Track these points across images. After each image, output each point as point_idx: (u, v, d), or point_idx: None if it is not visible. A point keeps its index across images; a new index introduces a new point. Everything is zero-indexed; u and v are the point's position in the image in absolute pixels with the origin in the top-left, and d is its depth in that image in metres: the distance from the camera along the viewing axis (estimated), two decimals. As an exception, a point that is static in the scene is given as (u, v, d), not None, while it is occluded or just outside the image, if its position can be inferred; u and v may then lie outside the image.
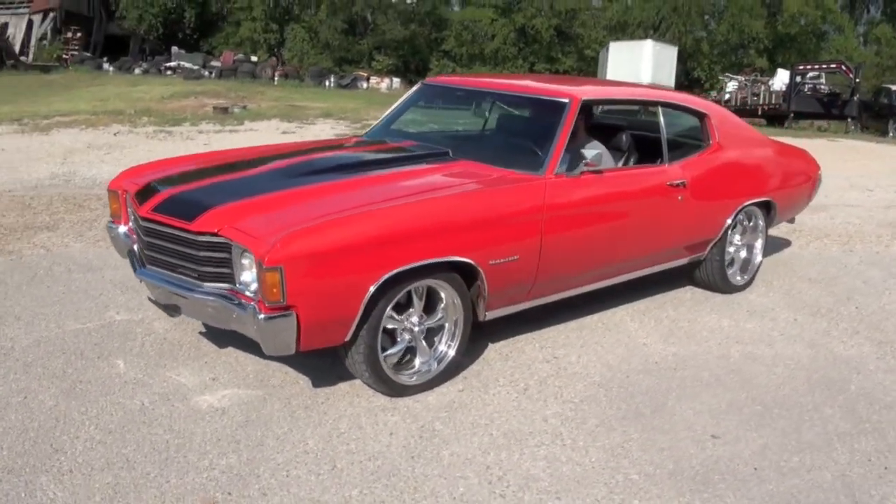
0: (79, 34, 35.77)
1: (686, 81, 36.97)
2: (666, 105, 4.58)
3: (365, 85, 36.50)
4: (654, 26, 35.83)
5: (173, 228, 3.22)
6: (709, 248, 4.84)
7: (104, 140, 11.31)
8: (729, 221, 4.78)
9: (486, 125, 4.65)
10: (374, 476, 2.80)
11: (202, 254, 3.14)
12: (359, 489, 2.72)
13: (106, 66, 30.48)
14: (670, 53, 22.60)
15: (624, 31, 35.66)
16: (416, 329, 3.41)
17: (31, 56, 32.82)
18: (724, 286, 5.02)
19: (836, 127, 22.39)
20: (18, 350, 3.68)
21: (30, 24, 33.44)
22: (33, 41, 33.29)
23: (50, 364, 3.56)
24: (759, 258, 5.25)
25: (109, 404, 3.23)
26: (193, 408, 3.23)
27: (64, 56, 32.82)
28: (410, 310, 3.38)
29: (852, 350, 4.24)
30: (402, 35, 42.32)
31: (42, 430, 3.01)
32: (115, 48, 37.62)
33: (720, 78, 28.39)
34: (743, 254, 5.20)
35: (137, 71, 30.01)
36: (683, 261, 4.78)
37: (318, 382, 3.50)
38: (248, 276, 3.04)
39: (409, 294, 3.33)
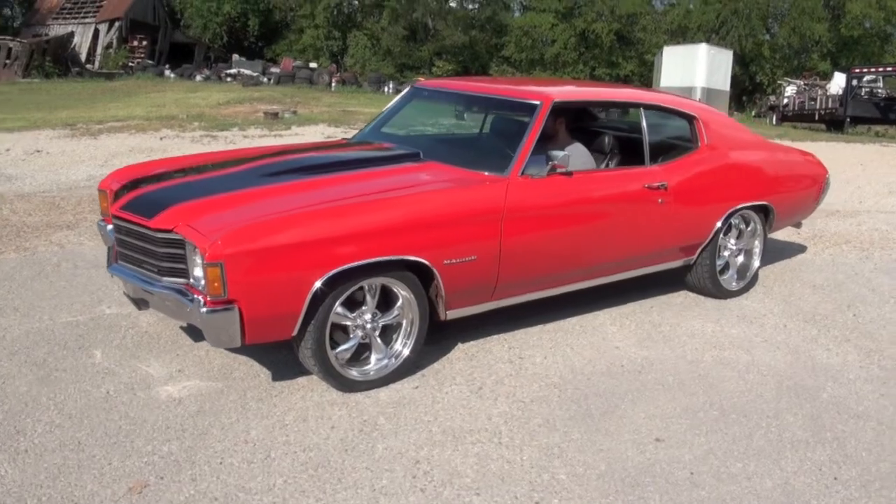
0: (144, 42, 37.26)
1: (749, 86, 36.13)
2: (649, 107, 4.53)
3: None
4: (714, 30, 35.11)
5: (136, 225, 3.37)
6: (698, 252, 4.76)
7: (149, 144, 11.76)
8: (719, 224, 4.70)
9: (464, 127, 4.69)
10: (304, 467, 2.87)
11: (160, 250, 3.29)
12: (284, 478, 2.80)
13: (168, 73, 31.57)
14: (725, 57, 22.06)
15: (685, 35, 35.08)
16: (369, 326, 3.47)
17: (96, 64, 34.29)
18: (715, 291, 4.93)
19: (893, 132, 21.49)
20: (8, 339, 3.91)
21: (96, 33, 34.96)
22: (99, 49, 34.78)
23: (33, 353, 3.76)
24: (756, 263, 5.13)
25: (77, 391, 3.40)
26: (153, 397, 3.38)
27: (130, 64, 34.24)
28: (363, 307, 3.45)
29: (836, 358, 4.11)
30: (461, 41, 42.63)
31: (10, 413, 3.20)
32: (180, 56, 39.00)
33: (779, 82, 27.58)
34: (740, 259, 5.10)
35: (199, 78, 30.99)
36: (671, 264, 4.71)
37: (277, 376, 3.60)
38: (198, 271, 3.17)
39: (363, 291, 3.40)
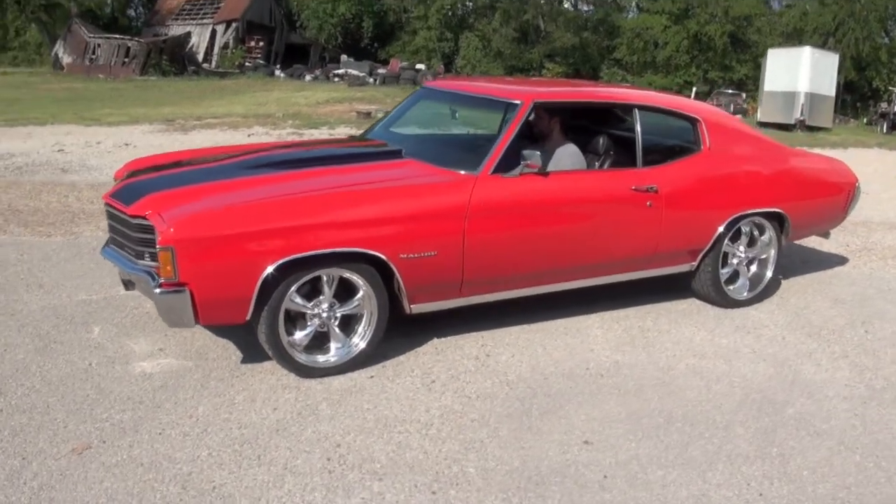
0: (261, 43, 39.04)
1: (868, 91, 33.90)
2: (645, 108, 4.45)
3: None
4: (830, 32, 33.16)
5: (118, 211, 3.67)
6: (700, 258, 4.63)
7: (236, 140, 12.40)
8: (721, 230, 4.55)
9: (459, 126, 4.75)
10: (232, 442, 3.05)
11: (135, 234, 3.55)
12: (209, 451, 2.99)
13: (278, 72, 32.95)
14: (831, 61, 20.77)
15: (800, 37, 33.29)
16: (325, 315, 3.62)
17: (213, 63, 36.18)
18: (720, 299, 4.78)
19: None
20: (24, 313, 4.32)
21: (213, 34, 36.88)
22: (216, 49, 36.66)
23: (41, 326, 4.15)
24: (769, 273, 4.92)
25: (64, 362, 3.73)
26: (128, 371, 3.66)
27: (247, 63, 36.02)
28: (321, 297, 3.60)
29: (823, 374, 3.92)
30: (571, 42, 42.27)
31: (0, 378, 3.56)
32: (295, 56, 40.57)
33: (890, 89, 25.70)
34: (753, 268, 4.91)
35: (308, 78, 32.18)
36: (668, 270, 4.61)
37: (247, 359, 3.81)
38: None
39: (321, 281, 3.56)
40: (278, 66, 36.21)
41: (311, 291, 3.59)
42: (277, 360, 3.58)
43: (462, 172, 3.87)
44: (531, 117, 4.32)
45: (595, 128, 4.72)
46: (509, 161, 3.92)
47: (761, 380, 3.82)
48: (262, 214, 3.38)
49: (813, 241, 6.61)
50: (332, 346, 3.70)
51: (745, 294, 4.87)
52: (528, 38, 45.49)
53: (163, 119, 15.76)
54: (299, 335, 3.60)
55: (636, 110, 4.41)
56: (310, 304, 3.59)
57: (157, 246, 3.21)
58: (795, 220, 4.87)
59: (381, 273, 3.64)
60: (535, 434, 3.20)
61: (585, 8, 44.68)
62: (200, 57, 35.95)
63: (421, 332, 4.20)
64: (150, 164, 4.33)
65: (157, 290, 3.26)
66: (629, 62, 39.52)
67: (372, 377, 3.68)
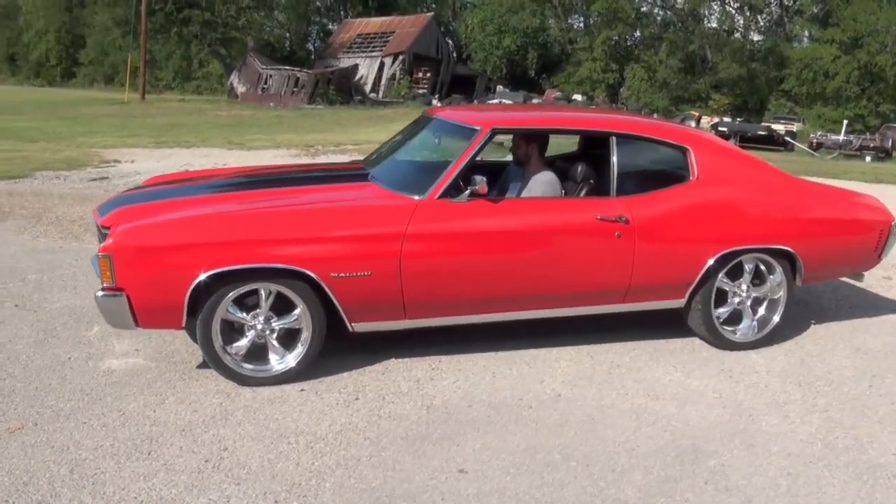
0: (428, 74, 40.72)
1: None
2: (624, 136, 4.27)
3: (693, 125, 35.65)
4: None
5: (96, 222, 4.09)
6: (688, 294, 4.35)
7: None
8: (711, 264, 4.25)
9: (438, 152, 4.77)
10: (136, 437, 3.29)
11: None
12: (112, 442, 3.25)
13: (435, 102, 34.15)
14: None
15: None
16: (260, 328, 3.81)
17: (380, 93, 38.14)
18: (713, 339, 4.46)
19: None
20: (47, 310, 4.88)
21: (381, 66, 38.89)
22: (384, 80, 38.61)
23: (52, 322, 4.67)
24: (775, 318, 4.52)
25: (49, 355, 4.18)
26: (96, 367, 4.04)
27: (415, 93, 37.76)
28: (258, 310, 3.80)
29: (784, 428, 3.56)
30: (738, 73, 40.49)
31: (-10, 365, 4.06)
32: (461, 87, 41.92)
33: None
34: (761, 310, 4.54)
35: (462, 107, 33.13)
36: (650, 305, 4.37)
37: (204, 365, 4.07)
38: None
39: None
40: (436, 96, 37.57)
41: (257, 304, 3.80)
42: (213, 367, 3.82)
43: (408, 196, 3.94)
44: (511, 144, 4.31)
45: (578, 155, 4.60)
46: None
47: (704, 427, 3.54)
48: (196, 228, 3.65)
49: (877, 284, 5.97)
50: (271, 357, 3.88)
51: (741, 335, 4.51)
52: (694, 69, 44.10)
53: (303, 144, 16.90)
54: (237, 345, 3.81)
55: (613, 138, 4.25)
56: (248, 316, 3.80)
57: (98, 253, 3.56)
58: (809, 261, 4.44)
59: (317, 291, 3.77)
60: (416, 458, 3.19)
61: (755, 37, 42.57)
62: (368, 87, 38.11)
63: (384, 350, 4.29)
64: (160, 180, 4.77)
65: (99, 294, 3.61)
66: (798, 93, 37.17)
67: (302, 390, 3.82)
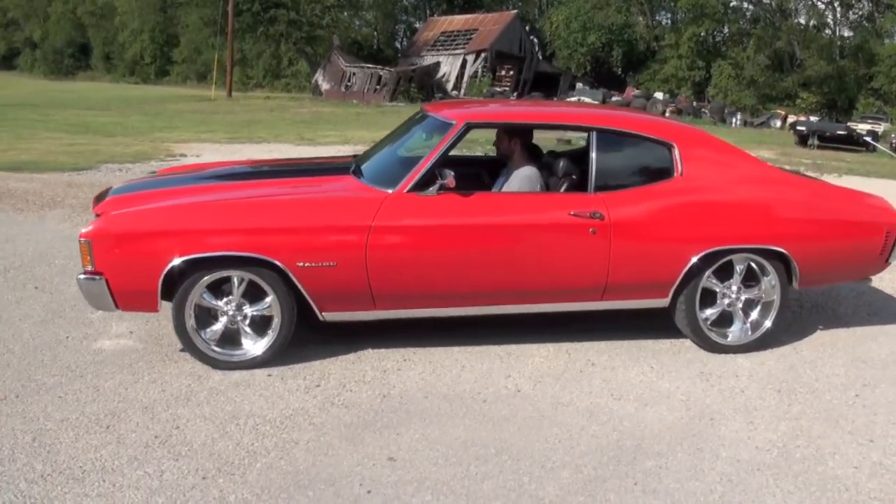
0: (511, 72, 40.60)
1: None
2: (604, 132, 4.20)
3: (779, 124, 34.24)
4: None
5: (93, 209, 4.35)
6: (671, 294, 4.25)
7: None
8: (694, 262, 4.14)
9: (414, 145, 4.79)
10: (101, 413, 3.48)
11: (98, 230, 4.20)
12: (79, 416, 3.45)
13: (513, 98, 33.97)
14: None
15: None
16: (231, 314, 3.96)
17: (462, 91, 38.27)
18: (699, 341, 4.35)
19: None
20: (63, 293, 5.18)
21: (464, 63, 38.99)
22: (466, 78, 38.71)
23: (61, 305, 4.95)
24: (767, 322, 4.35)
25: (49, 334, 4.46)
26: (88, 346, 4.29)
27: (497, 90, 37.74)
28: (230, 296, 3.96)
29: (742, 434, 3.44)
30: (825, 71, 38.69)
31: (-2, 340, 4.37)
32: (545, 85, 41.61)
33: None
34: (754, 313, 4.38)
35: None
36: (629, 303, 4.29)
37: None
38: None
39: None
40: (515, 94, 37.40)
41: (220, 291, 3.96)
42: (187, 350, 4.00)
43: (380, 189, 4.01)
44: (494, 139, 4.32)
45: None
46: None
47: (657, 429, 3.46)
48: (170, 217, 3.83)
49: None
50: (244, 342, 4.03)
51: (729, 338, 4.37)
52: (782, 66, 42.40)
53: (371, 140, 17.18)
54: (211, 329, 3.98)
55: (594, 133, 4.19)
56: (222, 303, 3.96)
57: (79, 238, 3.79)
58: (805, 263, 4.25)
59: (285, 280, 3.89)
60: (351, 445, 3.25)
61: (846, 33, 40.50)
62: (450, 85, 38.31)
63: (363, 340, 4.38)
64: (169, 171, 5.01)
65: (81, 276, 3.84)
66: (888, 92, 35.16)
67: (269, 375, 3.95)
